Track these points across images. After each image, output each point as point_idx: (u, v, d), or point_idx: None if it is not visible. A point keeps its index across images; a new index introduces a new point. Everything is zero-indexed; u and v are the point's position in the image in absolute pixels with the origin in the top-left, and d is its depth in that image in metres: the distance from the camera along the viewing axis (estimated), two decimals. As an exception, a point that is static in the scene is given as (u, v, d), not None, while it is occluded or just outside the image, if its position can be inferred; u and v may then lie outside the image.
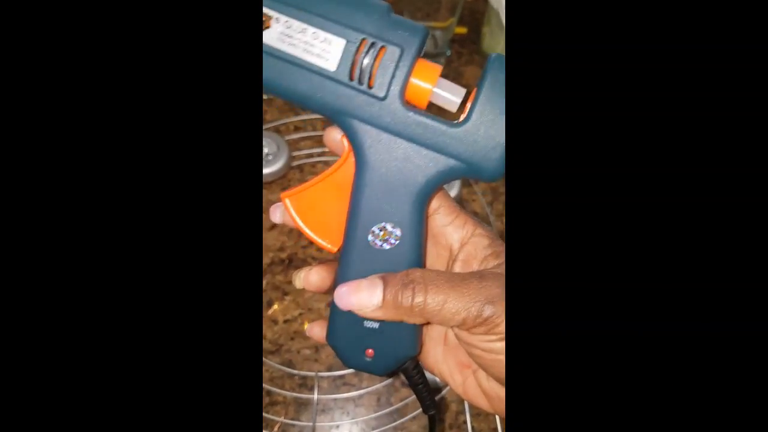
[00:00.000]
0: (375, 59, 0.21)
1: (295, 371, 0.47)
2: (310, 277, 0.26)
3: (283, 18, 0.21)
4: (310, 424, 0.45)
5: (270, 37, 0.21)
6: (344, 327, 0.25)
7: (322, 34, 0.21)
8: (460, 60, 0.69)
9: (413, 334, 0.25)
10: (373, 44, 0.21)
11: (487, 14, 0.66)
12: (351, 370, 0.47)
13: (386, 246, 0.24)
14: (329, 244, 0.25)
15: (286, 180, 0.58)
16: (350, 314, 0.24)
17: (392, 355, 0.25)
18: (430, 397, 0.28)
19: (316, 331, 0.28)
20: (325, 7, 0.21)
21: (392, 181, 0.23)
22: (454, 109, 0.23)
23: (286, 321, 0.50)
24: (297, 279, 0.27)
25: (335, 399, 0.46)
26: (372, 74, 0.21)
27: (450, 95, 0.22)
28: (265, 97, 0.63)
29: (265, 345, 0.48)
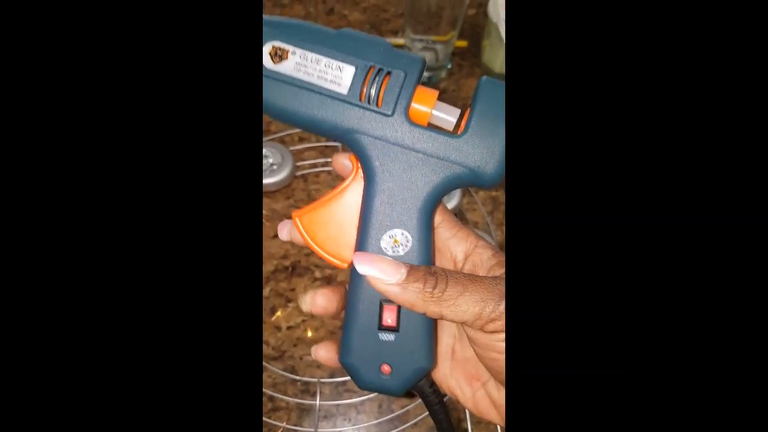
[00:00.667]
0: (382, 83, 0.24)
1: (298, 377, 0.47)
2: (317, 300, 0.26)
3: (299, 50, 0.24)
4: (312, 430, 0.45)
5: (287, 67, 0.24)
6: (358, 342, 0.25)
7: (335, 63, 0.24)
8: (460, 72, 0.71)
9: (429, 344, 0.26)
10: (380, 70, 0.24)
11: (487, 28, 0.68)
12: (346, 378, 0.48)
13: (400, 251, 0.25)
14: (338, 260, 0.26)
15: (290, 189, 0.59)
16: (365, 328, 0.25)
17: (409, 368, 0.25)
18: (447, 418, 0.27)
19: (322, 353, 0.27)
20: (335, 42, 0.24)
21: (401, 190, 0.25)
22: (450, 127, 0.25)
23: (289, 328, 0.50)
24: (303, 303, 0.27)
25: (337, 405, 0.47)
26: (380, 95, 0.24)
27: (447, 115, 0.25)
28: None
29: (268, 351, 0.49)
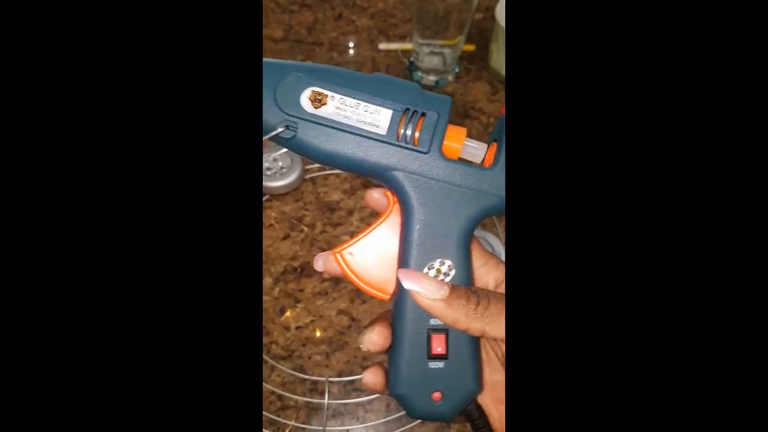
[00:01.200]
0: (417, 123, 0.25)
1: (307, 376, 0.48)
2: (373, 338, 0.26)
3: (338, 96, 0.25)
4: (321, 428, 0.46)
5: (327, 111, 0.25)
6: (408, 373, 0.26)
7: (372, 107, 0.25)
8: (468, 76, 0.71)
9: (477, 367, 0.26)
10: (414, 112, 0.25)
11: (494, 32, 0.68)
12: (361, 376, 0.49)
13: (445, 281, 0.26)
14: (380, 293, 0.27)
15: (299, 192, 0.60)
16: (414, 359, 0.26)
17: (460, 393, 0.26)
18: None
19: (370, 377, 0.28)
20: (371, 87, 0.26)
21: (440, 221, 0.26)
22: (478, 160, 0.27)
23: (297, 327, 0.51)
24: (363, 344, 0.27)
25: (345, 404, 0.47)
26: (416, 135, 0.25)
27: (476, 151, 0.27)
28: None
29: (278, 351, 0.50)
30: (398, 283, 0.26)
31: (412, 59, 0.70)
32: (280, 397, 0.47)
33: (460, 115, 0.67)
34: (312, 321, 0.52)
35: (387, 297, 0.27)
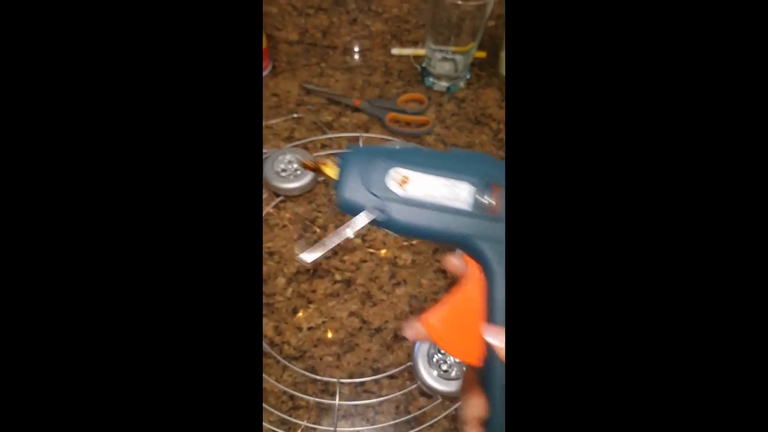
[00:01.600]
0: (494, 192, 0.27)
1: (318, 377, 0.49)
2: (474, 413, 0.27)
3: (419, 175, 0.27)
4: (332, 428, 0.46)
5: (413, 191, 0.27)
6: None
7: (452, 182, 0.27)
8: (479, 83, 0.72)
9: None
10: (492, 182, 0.27)
11: (505, 39, 0.69)
12: (371, 378, 0.49)
13: None
14: (469, 359, 0.28)
15: (312, 194, 0.60)
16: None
17: None
18: None
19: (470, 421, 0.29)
20: (449, 162, 0.27)
21: None
22: None
23: (309, 328, 0.52)
24: (464, 418, 0.28)
25: (356, 405, 0.48)
26: (495, 203, 0.27)
27: None
28: (294, 115, 0.67)
29: (289, 351, 0.50)
30: (487, 346, 0.27)
31: (424, 65, 0.71)
32: (292, 397, 0.48)
33: (471, 122, 0.68)
34: (324, 322, 0.52)
35: (477, 362, 0.28)
